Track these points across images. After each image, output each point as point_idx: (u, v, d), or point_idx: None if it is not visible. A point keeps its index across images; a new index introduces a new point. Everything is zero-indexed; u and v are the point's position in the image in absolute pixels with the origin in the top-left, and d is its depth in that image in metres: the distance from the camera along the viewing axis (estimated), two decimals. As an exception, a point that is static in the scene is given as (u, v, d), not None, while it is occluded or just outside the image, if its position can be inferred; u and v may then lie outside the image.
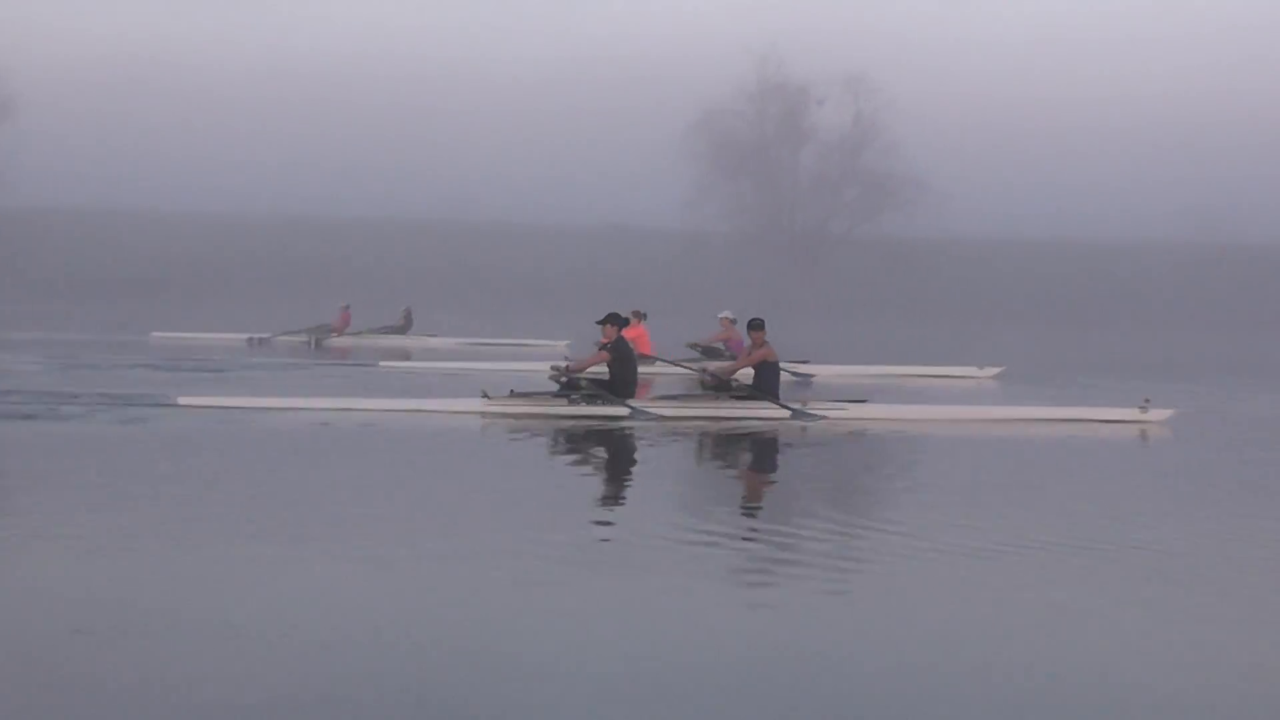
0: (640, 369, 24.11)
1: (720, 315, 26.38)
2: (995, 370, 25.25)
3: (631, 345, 19.49)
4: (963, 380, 24.42)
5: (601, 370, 17.21)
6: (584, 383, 16.78)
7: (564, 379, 16.86)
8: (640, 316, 26.22)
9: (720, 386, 17.05)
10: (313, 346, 32.39)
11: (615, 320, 17.31)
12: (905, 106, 76.43)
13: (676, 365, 22.43)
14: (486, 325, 40.12)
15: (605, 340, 17.15)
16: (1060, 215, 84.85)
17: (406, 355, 29.51)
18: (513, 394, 16.82)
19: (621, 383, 16.95)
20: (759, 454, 14.60)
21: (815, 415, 16.54)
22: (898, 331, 48.94)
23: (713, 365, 20.52)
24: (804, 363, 25.20)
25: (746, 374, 17.24)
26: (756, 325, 17.38)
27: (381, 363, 26.38)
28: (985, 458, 14.28)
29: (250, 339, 32.68)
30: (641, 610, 7.27)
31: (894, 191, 77.12)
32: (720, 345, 25.60)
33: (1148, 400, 16.97)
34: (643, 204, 78.36)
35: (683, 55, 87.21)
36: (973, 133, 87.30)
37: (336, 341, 33.46)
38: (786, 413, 16.63)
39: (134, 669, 6.04)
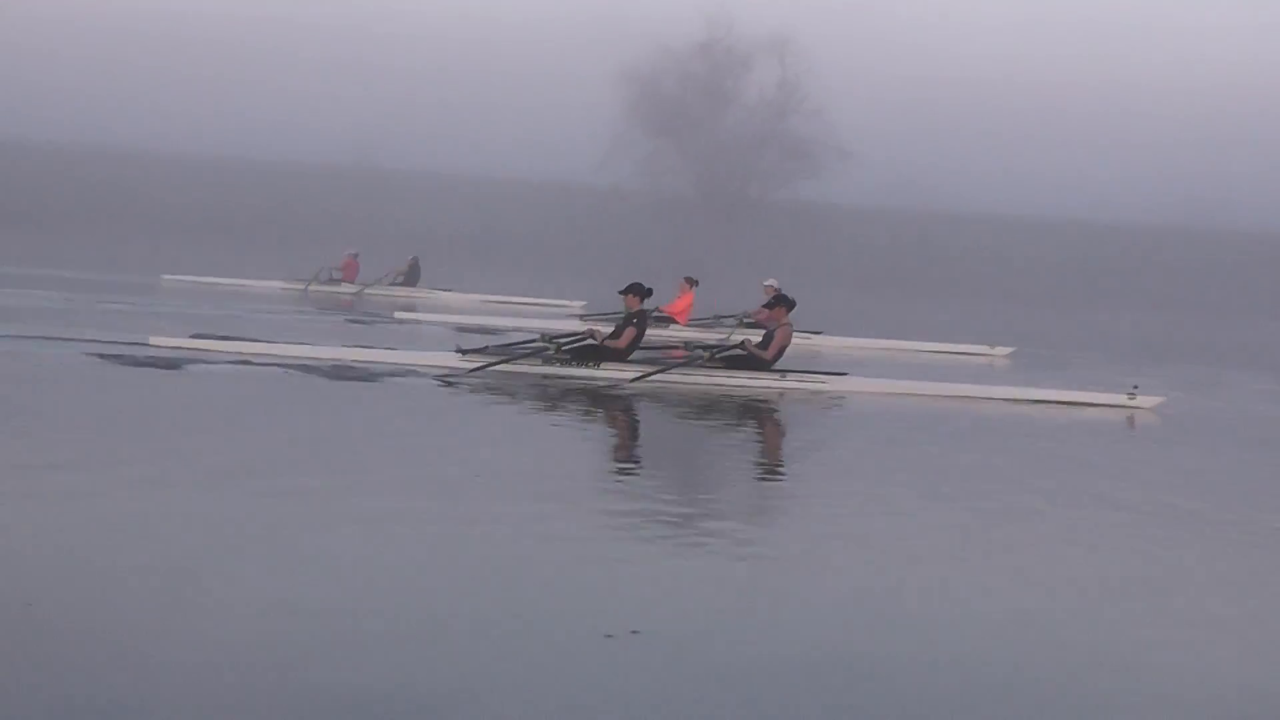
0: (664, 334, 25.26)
1: (766, 283, 26.97)
2: (1007, 350, 26.06)
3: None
4: (974, 358, 25.34)
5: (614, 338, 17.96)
6: (560, 345, 17.71)
7: (555, 342, 17.74)
8: (693, 283, 26.78)
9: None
10: (307, 293, 33.49)
11: (639, 291, 17.95)
12: (863, 75, 78.32)
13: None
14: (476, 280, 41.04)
15: (630, 310, 17.80)
16: (1041, 195, 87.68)
17: (413, 308, 30.59)
18: (487, 349, 17.88)
19: (627, 353, 17.67)
20: (716, 422, 15.55)
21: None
22: (861, 303, 49.68)
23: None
24: (817, 333, 26.15)
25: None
26: (785, 303, 18.28)
27: (397, 314, 27.56)
28: (944, 436, 15.17)
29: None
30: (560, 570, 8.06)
31: (815, 157, 78.66)
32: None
33: (1136, 387, 17.87)
34: (574, 160, 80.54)
35: (632, 13, 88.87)
36: (944, 109, 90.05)
37: (343, 291, 34.59)
38: (776, 375, 17.71)
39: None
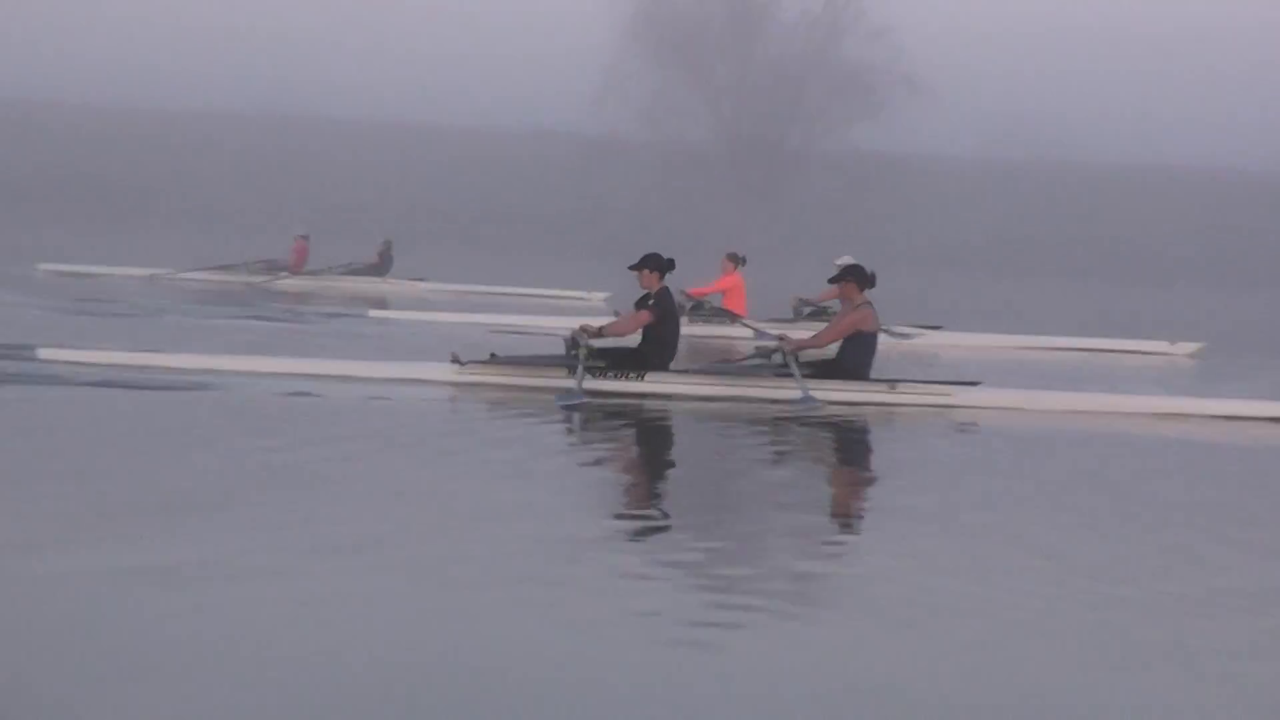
0: (720, 331, 24.65)
1: (839, 261, 26.46)
2: (1192, 346, 25.24)
3: (682, 300, 20.17)
4: (1147, 357, 24.55)
5: (633, 336, 17.27)
6: (592, 348, 16.81)
7: (585, 345, 16.81)
8: (738, 261, 26.25)
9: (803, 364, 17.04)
10: (259, 287, 33.02)
11: (657, 264, 17.18)
12: None
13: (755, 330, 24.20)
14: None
15: (646, 290, 17.09)
16: (1190, 139, 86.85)
17: (384, 303, 30.05)
18: (493, 359, 17.09)
19: (655, 351, 17.05)
20: (795, 449, 14.61)
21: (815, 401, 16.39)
22: (984, 287, 48.86)
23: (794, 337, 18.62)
24: (935, 328, 25.62)
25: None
26: (855, 276, 17.21)
27: (371, 312, 27.06)
28: (1120, 469, 13.99)
29: (153, 275, 33.54)
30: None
31: (876, 91, 77.11)
32: (833, 305, 25.69)
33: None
34: (562, 102, 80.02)
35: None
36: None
37: (289, 283, 34.07)
38: (881, 387, 16.85)
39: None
